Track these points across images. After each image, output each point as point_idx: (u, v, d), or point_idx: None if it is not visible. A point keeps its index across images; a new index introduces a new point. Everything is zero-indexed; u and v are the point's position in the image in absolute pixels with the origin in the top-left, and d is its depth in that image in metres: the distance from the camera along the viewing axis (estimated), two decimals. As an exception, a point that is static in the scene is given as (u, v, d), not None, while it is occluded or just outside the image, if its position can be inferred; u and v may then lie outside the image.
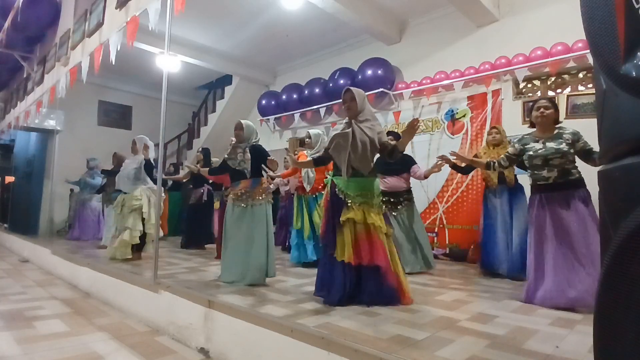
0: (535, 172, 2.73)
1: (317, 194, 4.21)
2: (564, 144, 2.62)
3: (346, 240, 2.50)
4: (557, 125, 2.78)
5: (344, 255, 2.49)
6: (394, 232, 3.87)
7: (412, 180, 4.10)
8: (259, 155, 3.34)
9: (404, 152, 4.12)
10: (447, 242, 5.31)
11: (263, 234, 3.21)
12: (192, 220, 5.80)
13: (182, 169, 7.34)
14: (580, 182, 2.65)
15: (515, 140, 2.95)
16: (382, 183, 4.04)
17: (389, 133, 4.18)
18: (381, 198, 2.72)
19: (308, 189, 4.21)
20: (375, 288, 2.48)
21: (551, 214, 2.62)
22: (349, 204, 2.55)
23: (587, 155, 2.63)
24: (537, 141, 2.73)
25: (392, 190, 3.96)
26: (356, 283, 2.52)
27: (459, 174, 5.31)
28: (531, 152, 2.72)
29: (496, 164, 2.96)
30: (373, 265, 2.49)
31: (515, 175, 3.75)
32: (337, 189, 2.62)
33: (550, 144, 2.66)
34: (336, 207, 2.60)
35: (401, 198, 3.96)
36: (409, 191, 4.04)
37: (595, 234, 2.47)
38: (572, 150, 2.63)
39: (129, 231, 4.41)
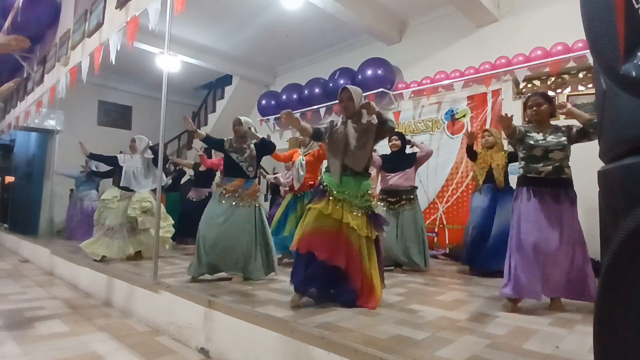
0: (530, 164, 2.58)
1: (304, 192, 4.16)
2: (563, 137, 2.55)
3: (303, 228, 2.49)
4: (552, 119, 2.70)
5: (295, 243, 2.49)
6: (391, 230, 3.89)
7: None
8: (262, 153, 3.40)
9: (408, 152, 4.18)
10: (447, 242, 5.31)
11: (250, 234, 3.25)
12: (188, 216, 5.77)
13: (179, 168, 7.30)
14: (570, 183, 2.57)
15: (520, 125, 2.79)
16: (384, 181, 4.06)
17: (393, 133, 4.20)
18: (374, 197, 2.59)
19: (297, 186, 4.15)
20: (335, 286, 2.47)
21: (541, 206, 2.49)
22: (330, 198, 2.49)
23: (583, 133, 2.49)
24: (538, 133, 2.60)
25: (394, 188, 3.99)
26: (321, 275, 2.46)
27: (459, 174, 5.33)
28: (532, 142, 2.56)
29: (517, 130, 2.66)
30: (333, 263, 2.41)
31: (507, 177, 3.76)
32: (323, 184, 2.59)
33: (551, 137, 2.56)
34: (314, 198, 2.64)
35: (403, 196, 3.97)
36: (412, 190, 4.04)
37: (577, 236, 2.47)
38: (568, 144, 2.56)
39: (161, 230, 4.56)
